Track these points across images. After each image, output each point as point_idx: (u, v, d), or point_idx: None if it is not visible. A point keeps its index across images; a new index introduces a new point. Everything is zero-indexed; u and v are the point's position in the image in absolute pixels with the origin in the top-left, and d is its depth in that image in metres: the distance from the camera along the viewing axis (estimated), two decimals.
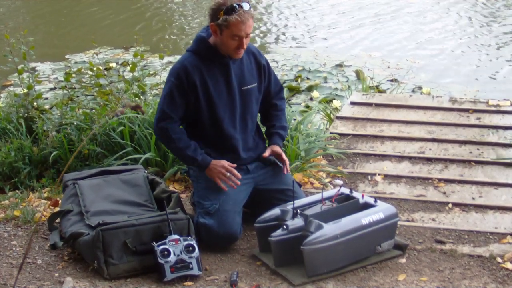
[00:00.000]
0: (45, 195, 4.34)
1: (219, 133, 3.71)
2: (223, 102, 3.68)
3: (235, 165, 3.70)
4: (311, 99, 7.30)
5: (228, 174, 3.65)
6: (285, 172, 3.80)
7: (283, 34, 10.58)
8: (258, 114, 3.97)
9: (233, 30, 3.50)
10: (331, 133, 5.14)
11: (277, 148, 3.85)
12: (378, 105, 5.70)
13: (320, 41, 10.05)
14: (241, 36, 3.52)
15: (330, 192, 3.70)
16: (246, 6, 3.50)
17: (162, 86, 6.37)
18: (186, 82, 3.62)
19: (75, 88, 7.03)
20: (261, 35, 10.53)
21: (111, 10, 12.30)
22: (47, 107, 5.75)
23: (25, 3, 13.43)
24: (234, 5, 3.47)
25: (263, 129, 4.06)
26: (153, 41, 10.12)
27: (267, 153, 3.81)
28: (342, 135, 5.12)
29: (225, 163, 3.67)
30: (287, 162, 3.83)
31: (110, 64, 8.10)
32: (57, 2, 13.19)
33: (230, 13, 3.47)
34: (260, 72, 3.80)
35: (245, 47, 3.59)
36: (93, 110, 5.24)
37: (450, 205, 4.08)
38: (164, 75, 7.49)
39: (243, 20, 3.48)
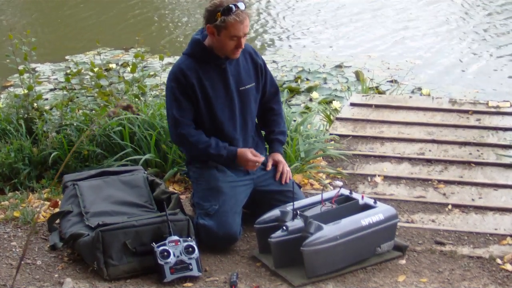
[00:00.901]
0: (45, 196, 4.34)
1: (219, 134, 3.71)
2: (222, 103, 3.68)
3: (258, 154, 3.72)
4: (311, 100, 7.30)
5: (257, 164, 3.69)
6: (283, 182, 3.81)
7: (283, 34, 10.58)
8: None
9: (231, 31, 3.51)
10: (330, 134, 5.14)
11: (278, 157, 3.86)
12: (377, 106, 5.70)
13: (320, 41, 10.05)
14: (239, 36, 3.53)
15: (330, 193, 3.70)
16: (242, 5, 3.51)
17: (162, 87, 6.40)
18: (185, 83, 3.63)
19: (75, 89, 7.03)
20: (261, 35, 10.53)
21: (111, 11, 12.30)
22: (47, 108, 5.74)
23: (23, 3, 13.43)
24: (231, 5, 3.48)
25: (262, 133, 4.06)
26: (153, 42, 10.12)
27: (269, 165, 3.82)
28: (342, 136, 5.13)
29: (249, 155, 3.68)
30: (285, 174, 3.82)
31: (110, 65, 8.10)
32: (56, 3, 13.20)
33: (227, 14, 3.48)
34: (257, 71, 3.81)
35: (243, 46, 3.60)
36: (93, 111, 5.24)
37: (449, 206, 4.09)
38: (164, 76, 7.49)
39: (241, 20, 3.49)
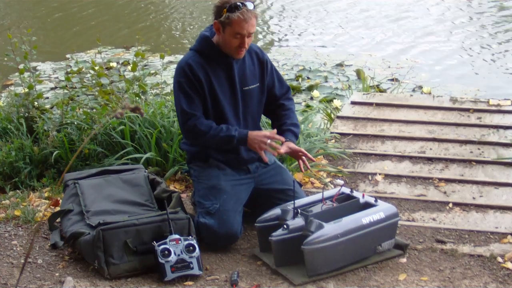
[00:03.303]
0: (46, 194, 4.35)
1: None
2: (228, 101, 3.69)
3: (275, 130, 3.66)
4: (312, 98, 7.30)
5: (269, 141, 3.59)
6: (308, 167, 3.78)
7: (284, 33, 10.58)
8: (262, 116, 3.97)
9: (235, 28, 3.51)
10: (331, 132, 5.14)
11: (293, 145, 3.74)
12: (378, 105, 5.70)
13: (320, 40, 10.05)
14: (243, 35, 3.53)
15: (331, 191, 3.70)
16: (250, 5, 3.51)
17: (163, 85, 6.40)
18: (193, 77, 3.61)
19: (75, 87, 7.03)
20: (262, 34, 10.53)
21: (111, 9, 12.31)
22: (47, 106, 5.75)
23: (23, 3, 13.43)
24: (238, 3, 3.48)
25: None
26: (154, 40, 10.12)
27: (283, 150, 3.67)
28: (343, 134, 5.13)
29: (266, 132, 3.63)
30: (307, 155, 3.73)
31: (111, 64, 8.11)
32: (57, 1, 13.20)
33: (233, 11, 3.48)
34: (262, 70, 3.80)
35: (246, 46, 3.59)
36: (94, 110, 5.24)
37: (450, 205, 4.08)
38: (165, 74, 7.53)
39: (246, 18, 3.49)
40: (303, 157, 3.76)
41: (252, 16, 3.52)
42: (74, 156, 3.09)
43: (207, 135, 3.63)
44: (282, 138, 3.64)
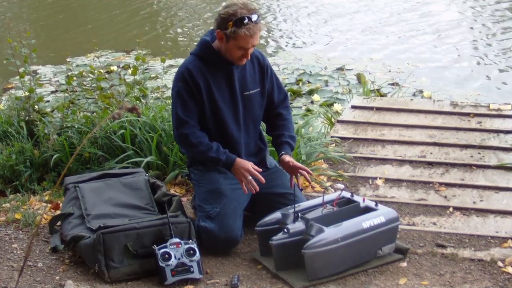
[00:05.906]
0: (46, 198, 4.35)
1: (223, 138, 3.70)
2: (227, 106, 3.68)
3: (260, 169, 3.64)
4: (312, 102, 7.30)
5: (250, 178, 3.58)
6: (309, 181, 3.73)
7: (284, 37, 10.58)
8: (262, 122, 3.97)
9: (240, 42, 3.50)
10: (332, 136, 5.14)
11: (291, 159, 3.71)
12: (379, 109, 5.70)
13: (321, 44, 10.06)
14: (247, 48, 3.53)
15: (331, 195, 3.70)
16: (255, 17, 3.48)
17: (164, 89, 6.40)
18: (192, 83, 3.62)
19: (76, 91, 7.04)
20: (262, 38, 10.53)
21: (112, 13, 12.32)
22: (48, 110, 5.75)
23: (24, 5, 13.44)
24: (244, 17, 3.45)
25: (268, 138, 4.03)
26: (155, 44, 10.12)
27: (293, 180, 3.69)
28: (343, 138, 5.13)
29: (250, 167, 3.60)
30: (306, 169, 3.68)
31: (112, 67, 8.11)
32: (58, 4, 13.21)
33: (239, 26, 3.46)
34: (263, 75, 3.80)
35: (248, 57, 3.59)
36: (94, 113, 5.25)
37: (451, 209, 4.08)
38: (166, 78, 7.53)
39: (251, 34, 3.47)
40: (303, 172, 3.69)
41: (257, 30, 3.50)
42: (72, 157, 3.10)
43: (195, 149, 3.66)
44: (263, 180, 3.56)
